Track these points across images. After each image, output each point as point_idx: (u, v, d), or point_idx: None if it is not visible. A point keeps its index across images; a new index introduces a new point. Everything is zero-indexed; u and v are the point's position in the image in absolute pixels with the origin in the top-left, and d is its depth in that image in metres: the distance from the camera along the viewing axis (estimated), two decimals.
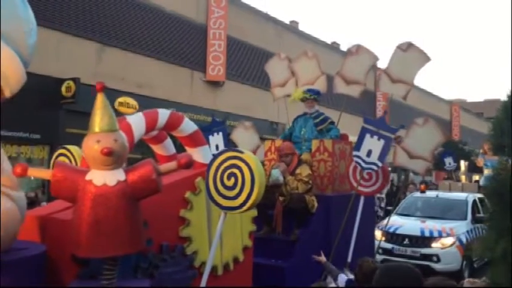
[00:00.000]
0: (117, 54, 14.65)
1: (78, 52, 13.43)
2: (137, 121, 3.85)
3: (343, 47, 26.10)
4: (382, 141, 5.04)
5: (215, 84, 18.24)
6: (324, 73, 7.14)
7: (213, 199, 3.65)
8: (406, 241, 8.07)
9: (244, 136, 7.51)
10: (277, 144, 6.39)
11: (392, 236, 8.16)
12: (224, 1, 18.28)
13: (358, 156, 5.19)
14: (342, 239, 5.61)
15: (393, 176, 31.23)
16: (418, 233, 8.09)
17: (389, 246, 8.05)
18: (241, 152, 3.56)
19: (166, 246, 3.83)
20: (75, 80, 12.62)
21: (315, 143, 6.15)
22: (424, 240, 8.00)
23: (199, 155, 4.34)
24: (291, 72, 7.42)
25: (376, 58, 6.55)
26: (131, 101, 14.09)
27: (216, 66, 17.74)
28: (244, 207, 3.53)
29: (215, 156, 3.66)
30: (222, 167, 3.61)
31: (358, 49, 6.62)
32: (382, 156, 5.06)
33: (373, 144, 5.09)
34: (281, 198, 5.60)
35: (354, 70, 6.66)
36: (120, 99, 13.89)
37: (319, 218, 5.53)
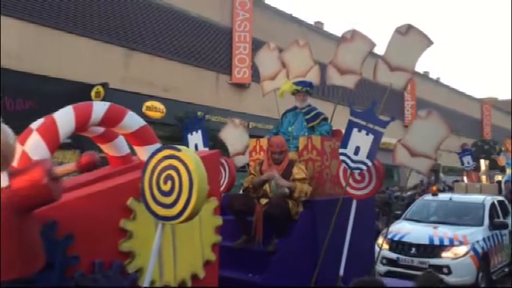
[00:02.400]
0: (143, 59, 15.03)
1: (106, 58, 13.79)
2: (64, 116, 3.24)
3: None
4: (371, 137, 4.32)
5: (241, 86, 18.24)
6: (317, 63, 6.44)
7: (148, 207, 3.02)
8: (413, 250, 7.21)
9: (233, 134, 6.86)
10: (263, 143, 5.72)
11: (397, 245, 7.33)
12: (249, 3, 18.48)
13: (345, 154, 4.47)
14: (332, 249, 4.89)
15: (422, 178, 30.26)
16: (427, 241, 7.22)
17: (393, 256, 7.25)
18: (178, 150, 2.90)
19: (99, 263, 3.20)
20: (104, 85, 12.96)
21: (302, 141, 5.45)
22: (434, 249, 7.14)
23: (147, 154, 3.70)
24: (282, 63, 6.74)
25: (372, 44, 5.79)
26: (158, 105, 14.45)
27: (242, 68, 17.86)
28: (182, 218, 2.88)
29: (151, 156, 3.02)
30: (158, 169, 2.97)
31: (352, 35, 5.89)
32: (371, 154, 4.33)
33: (361, 140, 4.37)
34: (263, 202, 4.92)
35: (349, 58, 5.93)
36: (148, 104, 14.37)
37: (303, 226, 4.82)
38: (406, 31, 5.49)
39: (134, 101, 14.37)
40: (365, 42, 5.81)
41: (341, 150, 4.50)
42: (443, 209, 8.44)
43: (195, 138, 5.95)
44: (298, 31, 20.33)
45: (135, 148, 3.73)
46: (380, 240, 6.99)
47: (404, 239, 7.35)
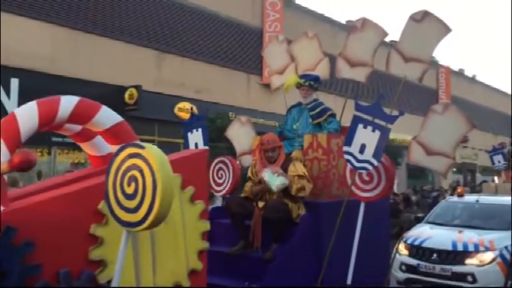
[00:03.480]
0: (175, 60, 15.25)
1: (139, 60, 14.02)
2: (26, 112, 2.97)
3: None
4: (377, 133, 3.89)
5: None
6: (326, 56, 6.03)
7: (112, 211, 2.70)
8: (435, 256, 6.63)
9: (240, 133, 6.51)
10: None
11: (417, 250, 6.77)
12: (279, 4, 18.44)
13: (349, 153, 4.06)
14: (338, 256, 4.48)
15: (458, 177, 29.29)
16: (449, 247, 6.63)
17: (414, 262, 6.70)
18: (142, 147, 2.58)
19: (64, 273, 2.91)
20: (137, 87, 13.17)
21: (307, 138, 5.06)
22: (457, 255, 6.54)
23: None
24: (291, 57, 6.36)
25: (384, 33, 5.35)
26: (190, 106, 14.44)
27: None
28: (145, 224, 2.55)
29: (115, 155, 2.71)
30: (122, 169, 2.65)
31: (363, 24, 5.45)
32: (377, 152, 3.90)
33: (366, 137, 3.95)
34: (261, 204, 4.55)
35: (359, 49, 5.50)
36: (180, 105, 14.53)
37: (304, 230, 4.43)
38: (421, 18, 5.03)
39: (167, 102, 14.65)
40: (376, 31, 5.37)
41: (345, 149, 4.09)
42: (469, 211, 7.80)
43: (195, 136, 5.62)
44: (329, 31, 20.08)
45: (112, 147, 3.43)
46: (400, 245, 6.50)
47: (425, 244, 6.80)
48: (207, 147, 5.59)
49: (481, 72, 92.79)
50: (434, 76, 29.18)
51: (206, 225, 3.64)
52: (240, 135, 6.43)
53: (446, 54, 69.11)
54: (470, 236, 6.75)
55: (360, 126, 3.96)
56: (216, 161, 6.23)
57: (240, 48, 17.50)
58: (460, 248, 6.57)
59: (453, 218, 7.77)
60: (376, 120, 3.89)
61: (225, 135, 6.73)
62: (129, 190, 2.60)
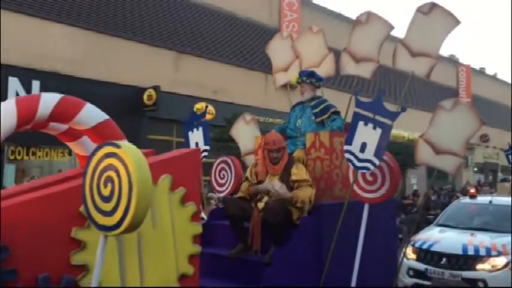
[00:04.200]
0: (193, 61, 15.40)
1: (157, 62, 14.22)
2: (4, 111, 2.83)
3: None
4: (378, 131, 3.67)
5: (289, 87, 18.09)
6: (331, 51, 5.82)
7: (89, 214, 2.56)
8: (444, 261, 6.31)
9: (244, 131, 6.32)
10: None
11: (426, 254, 6.46)
12: (296, 4, 18.45)
13: (350, 152, 3.85)
14: (341, 260, 4.28)
15: (480, 177, 28.65)
16: (459, 251, 6.31)
17: (422, 267, 6.39)
18: (118, 147, 2.42)
19: (44, 278, 2.77)
20: (156, 88, 13.34)
21: (309, 137, 4.86)
22: (467, 260, 6.22)
23: None
24: (295, 53, 6.16)
25: (390, 27, 5.12)
26: (208, 107, 14.42)
27: None
28: (121, 228, 2.39)
29: (91, 154, 2.56)
30: (99, 169, 2.50)
31: (368, 17, 5.23)
32: (379, 151, 3.69)
33: (367, 135, 3.73)
34: (261, 205, 4.37)
35: (364, 44, 5.28)
36: (198, 106, 14.40)
37: (305, 233, 4.22)
38: (429, 10, 4.79)
39: (185, 103, 14.69)
40: (382, 25, 5.15)
41: (346, 147, 3.88)
42: (482, 213, 7.45)
43: (196, 136, 5.48)
44: (347, 29, 19.71)
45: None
46: (406, 248, 6.22)
47: (434, 248, 6.49)
48: (207, 147, 5.46)
49: (502, 70, 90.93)
50: (455, 75, 28.79)
51: (198, 228, 3.48)
52: (245, 134, 6.23)
53: (466, 52, 67.86)
54: (482, 240, 6.44)
55: (361, 123, 3.75)
56: (218, 161, 6.07)
57: (258, 48, 17.52)
58: (470, 252, 6.26)
59: (465, 220, 7.43)
60: (377, 117, 3.68)
61: (229, 134, 6.57)
62: (106, 192, 2.45)
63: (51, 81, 11.57)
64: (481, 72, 32.74)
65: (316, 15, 19.42)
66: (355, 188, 4.33)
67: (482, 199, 8.11)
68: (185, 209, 3.40)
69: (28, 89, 11.33)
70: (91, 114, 3.11)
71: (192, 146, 5.45)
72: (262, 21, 17.81)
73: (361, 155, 3.78)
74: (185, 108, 14.59)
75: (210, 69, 15.87)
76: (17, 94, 11.02)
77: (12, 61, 11.03)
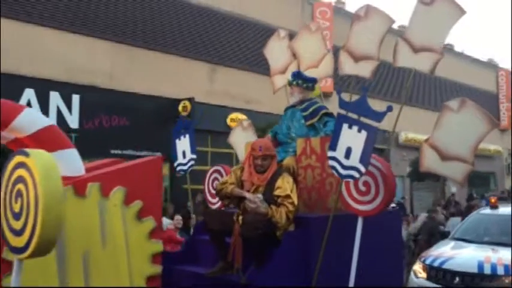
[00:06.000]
0: (227, 72, 15.58)
1: (191, 73, 14.50)
2: None
3: (458, 48, 24.39)
4: (363, 134, 3.21)
5: (323, 96, 17.92)
6: (330, 50, 5.39)
7: (3, 233, 2.22)
8: (457, 280, 5.65)
9: (241, 138, 5.96)
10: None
11: (437, 272, 5.82)
12: (329, 12, 18.55)
13: (334, 159, 3.40)
14: (333, 281, 3.82)
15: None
16: (475, 269, 5.64)
17: (432, 286, 5.76)
18: (26, 155, 2.08)
19: None
20: (191, 100, 13.60)
21: (299, 143, 4.43)
22: (483, 279, 5.56)
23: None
24: (293, 54, 5.76)
25: (390, 21, 4.66)
26: (242, 117, 14.50)
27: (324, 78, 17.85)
28: (28, 251, 2.04)
29: (5, 164, 2.23)
30: (11, 181, 2.17)
31: (366, 11, 4.78)
32: (364, 157, 3.22)
33: (352, 139, 3.27)
34: (241, 220, 3.94)
35: (364, 41, 4.83)
36: (232, 116, 14.89)
37: (289, 250, 3.78)
38: (431, 0, 4.32)
39: (219, 113, 14.93)
40: (382, 19, 4.70)
41: (329, 154, 3.44)
42: (504, 226, 6.65)
43: (183, 143, 5.13)
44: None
45: None
46: (416, 265, 5.65)
47: (446, 266, 5.83)
48: (194, 156, 5.10)
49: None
50: (494, 79, 27.83)
51: (157, 246, 3.11)
52: (242, 141, 5.86)
53: (506, 56, 65.44)
54: (501, 257, 5.76)
55: (345, 126, 3.30)
56: (210, 170, 5.71)
57: None
58: (487, 271, 5.59)
59: (484, 234, 6.73)
60: (362, 119, 3.22)
61: (227, 142, 6.23)
62: (16, 207, 2.10)
63: (91, 94, 11.93)
64: None
65: (349, 23, 19.08)
66: (348, 199, 3.86)
67: (505, 210, 7.32)
68: (142, 225, 3.04)
69: (68, 103, 11.70)
70: (30, 120, 2.79)
71: (180, 155, 5.11)
72: (295, 31, 17.59)
73: (345, 162, 3.33)
74: (219, 119, 15.06)
75: (244, 80, 15.97)
76: (58, 108, 11.48)
77: (53, 76, 11.37)
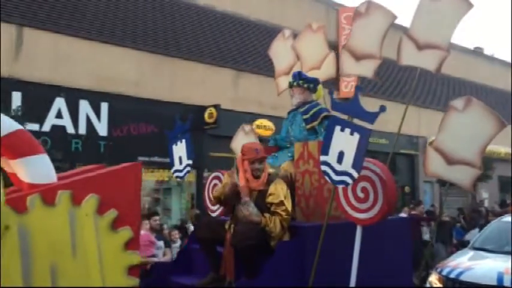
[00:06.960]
0: (251, 79, 15.52)
1: (217, 80, 14.50)
2: None
3: (487, 51, 23.73)
4: (356, 137, 2.97)
5: (348, 100, 17.88)
6: (332, 50, 5.15)
7: None
8: None
9: (244, 143, 5.75)
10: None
11: (454, 284, 5.49)
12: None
13: (327, 163, 3.16)
14: None
15: None
16: (494, 281, 5.28)
17: None
18: None
19: None
20: (216, 107, 13.67)
21: (297, 148, 4.21)
22: None
23: (22, 169, 2.78)
24: (296, 54, 5.54)
25: (393, 17, 4.38)
26: (268, 123, 14.58)
27: (349, 82, 17.30)
28: None
29: None
30: None
31: (367, 8, 4.52)
32: (357, 161, 2.97)
33: (345, 142, 3.03)
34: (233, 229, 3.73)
35: (365, 39, 4.55)
36: (258, 122, 14.66)
37: (281, 262, 3.55)
38: None
39: (245, 120, 14.69)
40: (384, 15, 4.40)
41: (322, 158, 3.21)
42: None
43: (180, 149, 4.94)
44: None
45: (10, 162, 2.81)
46: (432, 276, 5.32)
47: (463, 277, 5.49)
48: (190, 161, 4.91)
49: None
50: (510, 78, 26.85)
51: (133, 258, 2.91)
52: None
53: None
54: None
55: (337, 128, 3.06)
56: (211, 177, 5.53)
57: None
58: (507, 283, 5.21)
59: (506, 243, 6.26)
60: (355, 120, 2.98)
61: (230, 147, 6.04)
62: None
63: (118, 102, 12.05)
64: None
65: None
66: (346, 206, 3.62)
67: None
68: (116, 235, 2.85)
69: (97, 111, 11.84)
70: None
71: (176, 161, 4.93)
72: None
73: (338, 167, 3.09)
74: None
75: (269, 86, 15.81)
76: (88, 116, 11.63)
77: (82, 85, 11.52)
